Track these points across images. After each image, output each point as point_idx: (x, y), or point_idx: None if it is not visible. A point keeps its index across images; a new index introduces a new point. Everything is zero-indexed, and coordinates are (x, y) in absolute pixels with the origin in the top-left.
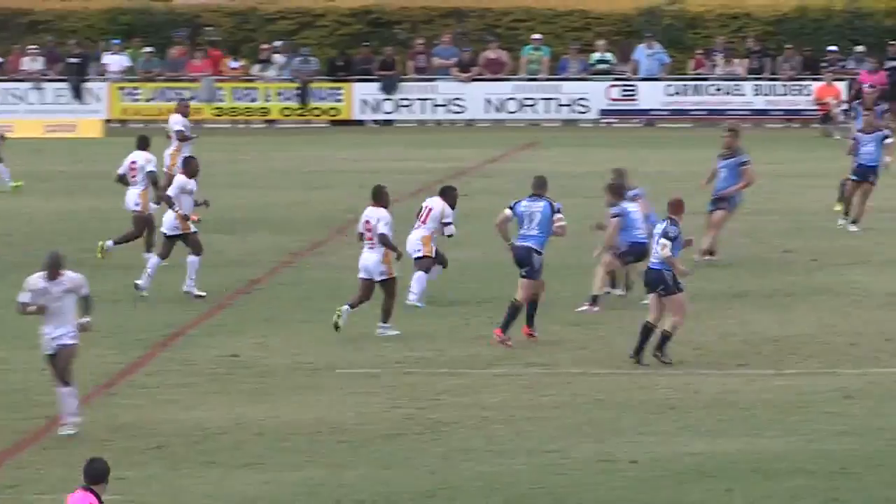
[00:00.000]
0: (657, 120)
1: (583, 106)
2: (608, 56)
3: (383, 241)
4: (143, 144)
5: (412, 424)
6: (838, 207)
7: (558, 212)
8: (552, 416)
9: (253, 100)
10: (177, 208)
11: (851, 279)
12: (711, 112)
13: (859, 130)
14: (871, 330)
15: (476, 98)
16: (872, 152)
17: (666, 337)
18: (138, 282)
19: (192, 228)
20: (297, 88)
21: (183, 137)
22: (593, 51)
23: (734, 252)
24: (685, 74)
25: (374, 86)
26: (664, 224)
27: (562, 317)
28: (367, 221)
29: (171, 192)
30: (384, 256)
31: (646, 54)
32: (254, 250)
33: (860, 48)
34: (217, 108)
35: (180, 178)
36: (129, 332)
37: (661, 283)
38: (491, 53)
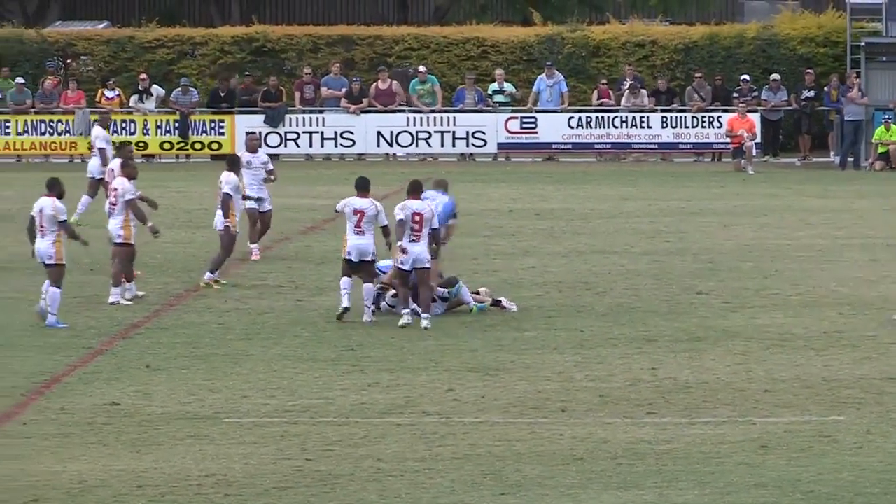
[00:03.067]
0: (558, 154)
1: (479, 139)
2: (507, 86)
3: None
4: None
5: (302, 477)
6: None
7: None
8: (450, 468)
9: (131, 133)
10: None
11: (767, 322)
12: (616, 146)
13: None
14: (787, 375)
15: (367, 131)
16: None
17: None
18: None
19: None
20: (177, 121)
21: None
22: (491, 80)
23: (642, 294)
24: (588, 106)
25: (259, 118)
26: None
27: (460, 362)
28: (418, 213)
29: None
30: (428, 247)
31: (546, 84)
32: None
33: (774, 76)
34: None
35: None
36: (1, 379)
37: None
38: (382, 84)
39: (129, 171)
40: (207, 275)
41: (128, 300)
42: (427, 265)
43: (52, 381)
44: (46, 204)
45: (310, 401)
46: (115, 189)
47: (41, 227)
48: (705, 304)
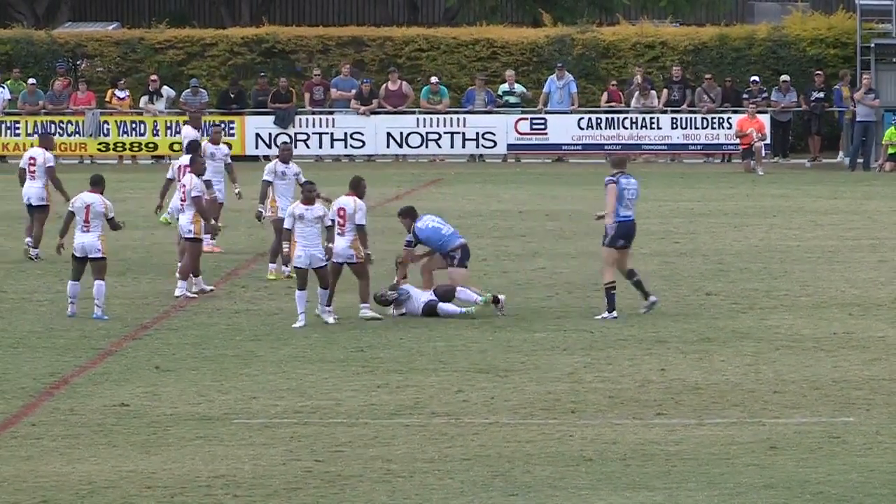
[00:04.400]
0: (568, 155)
1: (489, 141)
2: (517, 87)
3: (361, 231)
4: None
5: (311, 478)
6: None
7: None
8: (459, 469)
9: (140, 134)
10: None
11: (776, 324)
12: (626, 146)
13: None
14: (796, 377)
15: (377, 132)
16: None
17: None
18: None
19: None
20: (187, 122)
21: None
22: (501, 81)
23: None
24: (598, 107)
25: (269, 119)
26: None
27: (470, 363)
28: (341, 208)
29: (196, 193)
30: (352, 242)
31: (556, 86)
32: (142, 293)
33: (784, 78)
34: (102, 143)
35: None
36: (10, 380)
37: None
38: (392, 85)
39: (197, 168)
40: (272, 266)
41: (194, 293)
42: (354, 259)
43: (62, 382)
44: (96, 200)
45: (319, 402)
46: (185, 185)
47: (86, 221)
48: (715, 305)
